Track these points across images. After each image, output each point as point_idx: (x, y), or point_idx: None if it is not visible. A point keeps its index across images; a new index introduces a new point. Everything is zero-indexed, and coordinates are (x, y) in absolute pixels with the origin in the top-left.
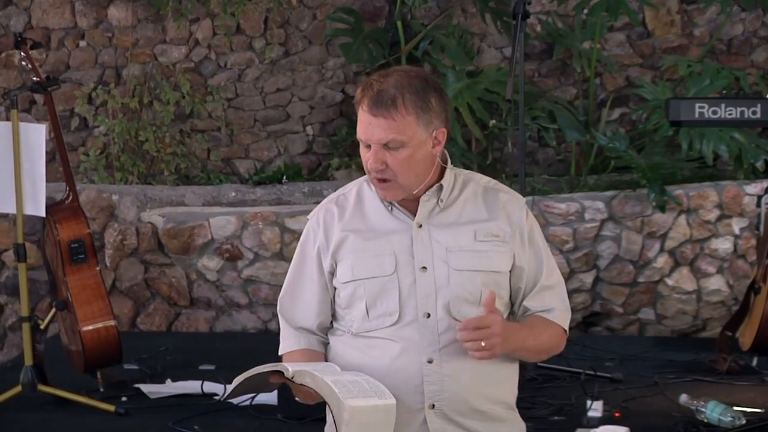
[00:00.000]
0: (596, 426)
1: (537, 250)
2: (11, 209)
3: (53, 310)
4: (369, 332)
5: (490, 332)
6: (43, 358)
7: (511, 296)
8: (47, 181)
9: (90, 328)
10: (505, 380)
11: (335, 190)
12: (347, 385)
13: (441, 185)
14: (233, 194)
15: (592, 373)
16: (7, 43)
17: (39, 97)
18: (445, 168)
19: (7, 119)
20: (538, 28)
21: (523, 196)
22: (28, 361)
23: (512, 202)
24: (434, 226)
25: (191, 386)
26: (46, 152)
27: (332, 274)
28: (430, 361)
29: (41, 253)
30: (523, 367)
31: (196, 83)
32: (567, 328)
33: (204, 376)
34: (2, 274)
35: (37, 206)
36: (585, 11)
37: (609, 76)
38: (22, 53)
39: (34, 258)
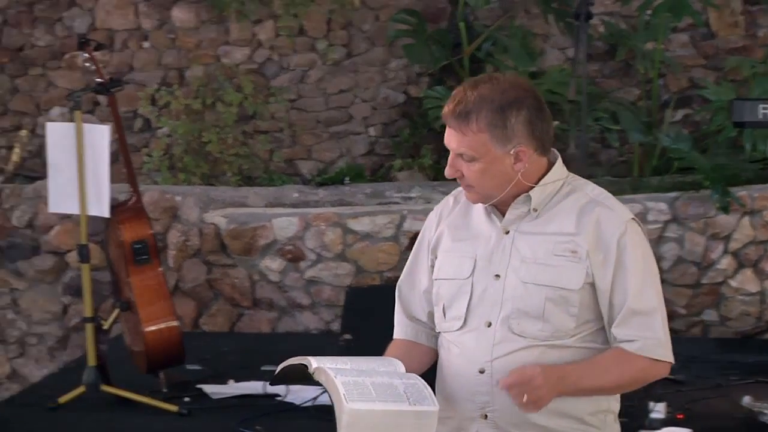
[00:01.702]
0: (659, 428)
1: (625, 272)
2: (75, 210)
3: (116, 310)
4: (445, 333)
5: (532, 386)
6: (106, 359)
7: (604, 317)
8: (111, 182)
9: (153, 328)
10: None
11: (398, 192)
12: (368, 387)
13: (529, 196)
14: (296, 195)
15: None
16: (71, 44)
17: (102, 99)
18: (551, 170)
19: (71, 120)
20: (601, 29)
21: None
22: (92, 361)
23: (609, 218)
24: (521, 234)
25: (253, 387)
26: (110, 153)
27: (432, 268)
28: (481, 371)
29: (104, 254)
30: None
31: (259, 84)
32: (662, 358)
33: (266, 377)
34: (66, 274)
35: (100, 207)
36: (648, 12)
37: (672, 77)
38: (85, 54)
39: (98, 259)
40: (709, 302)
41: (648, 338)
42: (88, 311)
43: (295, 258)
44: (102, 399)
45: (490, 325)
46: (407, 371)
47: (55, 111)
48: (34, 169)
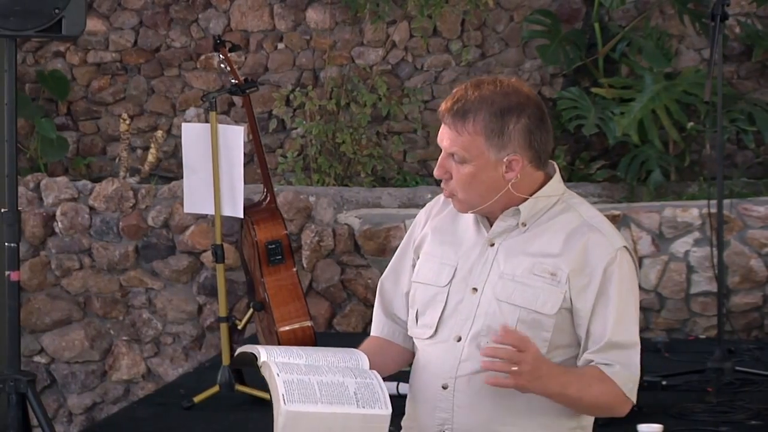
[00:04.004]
0: None
1: (607, 301)
2: (209, 210)
3: (251, 310)
4: (415, 339)
5: (521, 357)
6: None
7: (579, 342)
8: (245, 182)
9: (287, 328)
10: (543, 422)
11: None
12: (314, 386)
13: (518, 209)
14: (429, 196)
15: None
16: (206, 45)
17: (237, 99)
18: (546, 185)
19: (206, 121)
20: (737, 30)
21: (722, 198)
22: (226, 361)
23: (599, 243)
24: (505, 249)
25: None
26: (244, 154)
27: (413, 267)
28: (444, 387)
29: (239, 254)
30: None
31: (393, 85)
32: (630, 395)
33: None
34: (201, 274)
35: (235, 208)
36: None
37: None
38: (221, 56)
39: (232, 259)
40: None
41: (624, 366)
42: (222, 311)
43: None
44: (237, 399)
45: (459, 339)
46: (380, 369)
47: (191, 112)
48: (169, 169)
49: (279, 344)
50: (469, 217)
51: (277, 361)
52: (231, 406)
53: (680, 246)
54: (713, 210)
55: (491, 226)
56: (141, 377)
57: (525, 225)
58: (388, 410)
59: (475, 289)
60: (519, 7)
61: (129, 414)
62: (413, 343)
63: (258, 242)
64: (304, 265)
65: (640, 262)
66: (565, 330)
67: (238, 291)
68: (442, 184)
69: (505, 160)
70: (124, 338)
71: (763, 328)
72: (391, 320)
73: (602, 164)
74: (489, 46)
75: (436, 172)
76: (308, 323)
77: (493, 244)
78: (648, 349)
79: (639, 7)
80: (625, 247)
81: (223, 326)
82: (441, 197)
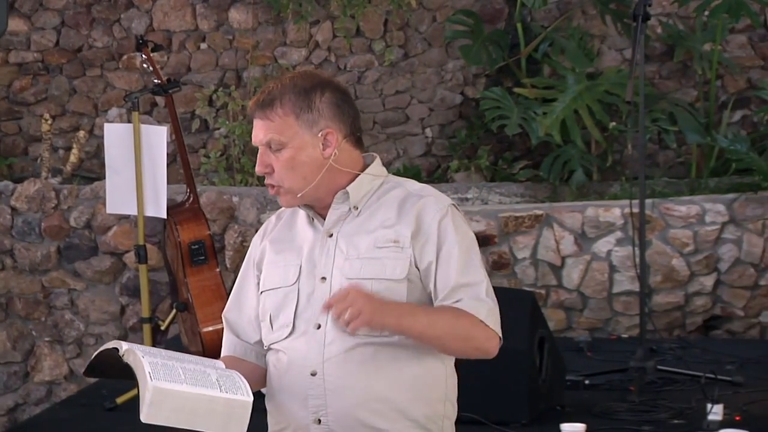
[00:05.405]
0: (716, 430)
1: (448, 252)
2: (132, 211)
3: (174, 311)
4: (273, 344)
5: (350, 299)
6: None
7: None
8: (168, 182)
9: (210, 329)
10: (413, 394)
11: (455, 193)
12: (178, 370)
13: (347, 191)
14: None
15: (712, 376)
16: (128, 45)
17: (160, 100)
18: (371, 165)
19: (129, 121)
20: (659, 30)
21: (644, 198)
22: None
23: (429, 205)
24: (344, 235)
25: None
26: (167, 154)
27: (258, 285)
28: (313, 374)
29: (162, 255)
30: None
31: None
32: (490, 324)
33: None
34: (123, 275)
35: (158, 208)
36: (706, 13)
37: (730, 78)
38: (143, 56)
39: (155, 259)
40: (767, 304)
41: (472, 298)
42: (145, 312)
43: None
44: None
45: (319, 327)
46: None
47: (113, 112)
48: (92, 169)
49: (203, 345)
50: (303, 221)
51: (140, 348)
52: None
53: (602, 245)
54: (635, 210)
55: (325, 220)
56: (63, 378)
57: (357, 208)
58: (250, 398)
59: (324, 278)
60: (442, 7)
61: (51, 415)
62: (266, 361)
63: (181, 242)
64: (228, 266)
65: (562, 261)
66: (421, 298)
67: (161, 291)
68: (266, 181)
69: (320, 135)
70: (47, 339)
71: (684, 327)
72: (242, 341)
73: (525, 164)
74: (412, 46)
75: (257, 170)
76: None
77: (331, 235)
78: (570, 348)
79: (561, 7)
80: (453, 204)
81: (146, 327)
82: (272, 218)
